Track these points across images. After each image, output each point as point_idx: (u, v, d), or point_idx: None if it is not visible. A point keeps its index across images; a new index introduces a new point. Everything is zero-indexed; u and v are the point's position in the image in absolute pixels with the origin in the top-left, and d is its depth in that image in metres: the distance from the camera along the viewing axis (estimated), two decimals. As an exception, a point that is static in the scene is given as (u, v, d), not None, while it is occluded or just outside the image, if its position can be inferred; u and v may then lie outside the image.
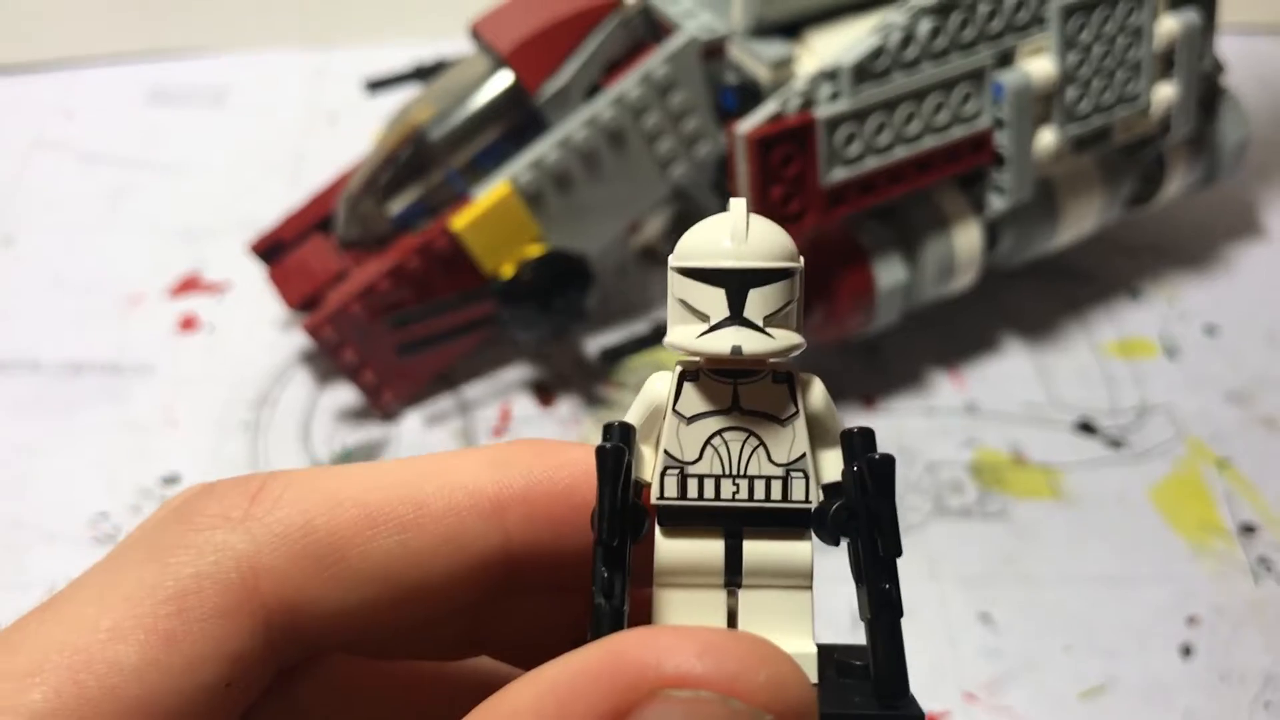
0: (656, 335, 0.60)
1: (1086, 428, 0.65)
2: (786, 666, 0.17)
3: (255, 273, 0.70)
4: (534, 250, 0.62)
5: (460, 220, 0.61)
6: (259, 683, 0.20)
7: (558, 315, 0.62)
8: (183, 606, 0.19)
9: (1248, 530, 0.60)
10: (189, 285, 0.74)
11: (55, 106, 0.89)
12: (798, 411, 0.20)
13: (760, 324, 0.20)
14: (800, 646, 0.20)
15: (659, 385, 0.21)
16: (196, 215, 0.79)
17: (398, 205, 0.65)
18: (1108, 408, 0.66)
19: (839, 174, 0.57)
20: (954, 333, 0.70)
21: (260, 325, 0.71)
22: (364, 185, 0.64)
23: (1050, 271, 0.73)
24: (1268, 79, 0.89)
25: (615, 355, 0.60)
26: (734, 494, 0.20)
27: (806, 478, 0.20)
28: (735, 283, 0.20)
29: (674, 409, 0.20)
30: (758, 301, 0.20)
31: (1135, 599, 0.57)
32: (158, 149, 0.85)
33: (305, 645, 0.20)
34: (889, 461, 0.20)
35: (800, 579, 0.20)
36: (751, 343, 0.20)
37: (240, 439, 0.64)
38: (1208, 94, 0.69)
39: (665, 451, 0.20)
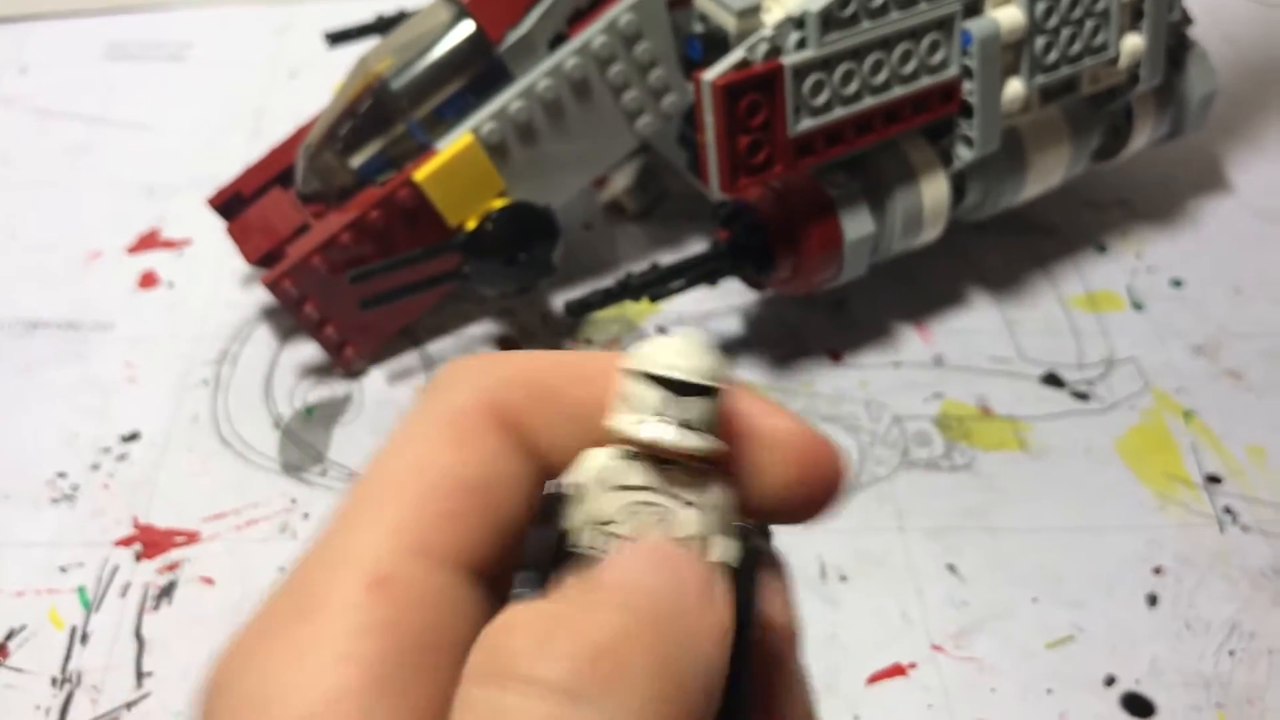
0: (623, 288, 0.60)
1: (1053, 380, 0.65)
2: None
3: (216, 228, 0.69)
4: (498, 203, 0.61)
5: (422, 172, 0.60)
6: (523, 503, 0.23)
7: (523, 270, 0.61)
8: (456, 424, 0.22)
9: (1213, 480, 0.60)
10: (148, 241, 0.73)
11: (9, 62, 0.87)
12: (705, 501, 0.23)
13: None
14: None
15: (594, 459, 0.23)
16: (156, 171, 0.78)
17: (360, 158, 0.64)
18: (1074, 361, 0.66)
19: (806, 123, 0.56)
20: (921, 286, 0.70)
21: (221, 281, 0.70)
22: (323, 137, 0.63)
23: (1017, 225, 0.73)
24: (1233, 35, 0.89)
25: (581, 309, 0.60)
26: None
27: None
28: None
29: (599, 478, 0.23)
30: None
31: (1102, 549, 0.57)
32: (117, 105, 0.84)
33: (542, 478, 0.23)
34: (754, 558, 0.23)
35: None
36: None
37: (201, 396, 0.63)
38: (1175, 46, 0.68)
39: (589, 513, 0.23)
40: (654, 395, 0.22)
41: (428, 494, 0.22)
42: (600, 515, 0.22)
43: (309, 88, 0.82)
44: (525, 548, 0.22)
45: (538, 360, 0.24)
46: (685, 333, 0.24)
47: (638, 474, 0.23)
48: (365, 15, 0.74)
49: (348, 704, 0.19)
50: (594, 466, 0.23)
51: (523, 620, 0.20)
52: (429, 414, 0.23)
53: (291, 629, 0.20)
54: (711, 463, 0.23)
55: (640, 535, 0.22)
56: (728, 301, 0.69)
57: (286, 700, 0.19)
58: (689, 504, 0.22)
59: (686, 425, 0.22)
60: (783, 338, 0.67)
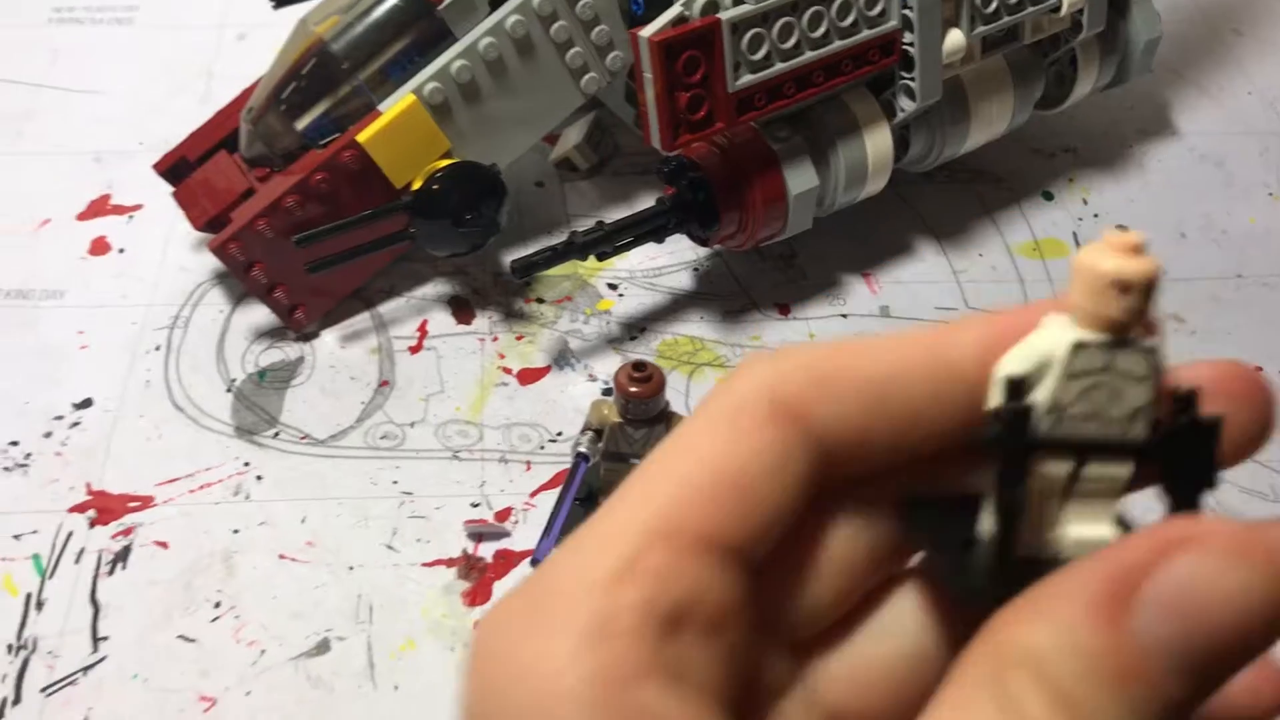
0: (569, 247, 0.60)
1: (999, 328, 0.66)
2: None
3: (166, 193, 0.69)
4: (444, 163, 0.61)
5: (366, 133, 0.60)
6: (801, 489, 0.24)
7: (471, 230, 0.62)
8: (733, 422, 0.23)
9: (1156, 425, 0.61)
10: (98, 208, 0.72)
11: (-46, 28, 0.87)
12: (1150, 373, 0.24)
13: None
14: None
15: (1052, 344, 0.24)
16: (105, 137, 0.77)
17: (305, 120, 0.64)
18: (1020, 308, 0.67)
19: (746, 79, 0.56)
20: (868, 238, 0.70)
21: (172, 246, 0.70)
22: (266, 101, 0.63)
23: (964, 174, 0.73)
24: (1182, -22, 0.90)
25: (528, 268, 0.60)
26: (1092, 431, 0.24)
27: (1145, 420, 0.24)
28: None
29: (1066, 368, 0.24)
30: None
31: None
32: (62, 70, 0.83)
33: (827, 462, 0.24)
34: (1216, 423, 0.23)
35: (1114, 491, 0.24)
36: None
37: (153, 361, 0.63)
38: (1118, -8, 0.69)
39: (1054, 397, 0.24)
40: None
41: (683, 481, 0.23)
42: (1063, 400, 0.24)
43: (257, 50, 0.81)
44: (991, 437, 0.23)
45: (820, 348, 0.25)
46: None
47: (1096, 358, 0.24)
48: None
49: (581, 695, 0.20)
50: (1052, 353, 0.24)
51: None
52: (708, 410, 0.24)
53: (542, 611, 0.21)
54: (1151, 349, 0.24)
55: (1096, 413, 0.23)
56: (679, 257, 0.69)
57: (528, 682, 0.20)
58: (1139, 379, 0.24)
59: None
60: (732, 292, 0.67)
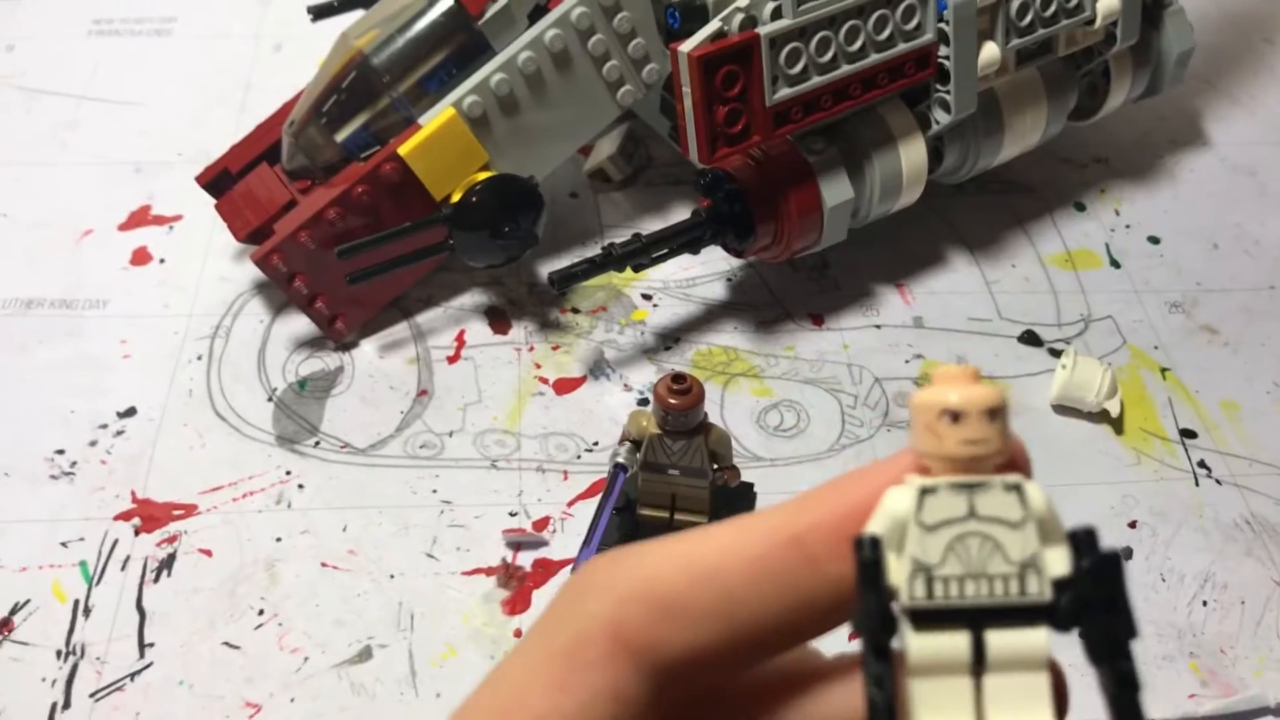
0: (607, 259, 0.61)
1: (1031, 338, 0.66)
2: None
3: (206, 203, 0.70)
4: (482, 175, 0.62)
5: (406, 146, 0.61)
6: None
7: (509, 241, 0.62)
8: (571, 661, 0.23)
9: (1188, 435, 0.61)
10: (139, 218, 0.73)
11: (-4, 40, 0.88)
12: (1026, 515, 0.22)
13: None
14: None
15: (901, 502, 0.23)
16: (145, 148, 0.79)
17: (344, 133, 0.64)
18: (1054, 319, 0.67)
19: (784, 92, 0.57)
20: (902, 249, 0.71)
21: (212, 256, 0.71)
22: (307, 114, 0.64)
23: (996, 185, 0.74)
24: (1214, -12, 0.90)
25: (566, 280, 0.61)
26: (975, 592, 0.22)
27: (1039, 574, 0.22)
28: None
29: (917, 519, 0.22)
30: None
31: (1079, 504, 0.58)
32: (103, 81, 0.84)
33: (674, 686, 0.24)
34: (1117, 558, 0.22)
35: (1038, 664, 0.22)
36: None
37: (195, 371, 0.64)
38: (1152, 4, 0.69)
39: (913, 558, 0.22)
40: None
41: None
42: (926, 559, 0.22)
43: (294, 60, 0.82)
44: (854, 619, 0.22)
45: (663, 561, 0.24)
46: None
47: (950, 504, 0.22)
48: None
49: None
50: (901, 509, 0.22)
51: None
52: (542, 644, 0.24)
53: None
54: (1016, 484, 0.22)
55: (975, 572, 0.22)
56: (712, 268, 0.70)
57: None
58: (1012, 525, 0.22)
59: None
60: (766, 303, 0.68)
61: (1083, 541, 0.22)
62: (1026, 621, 0.22)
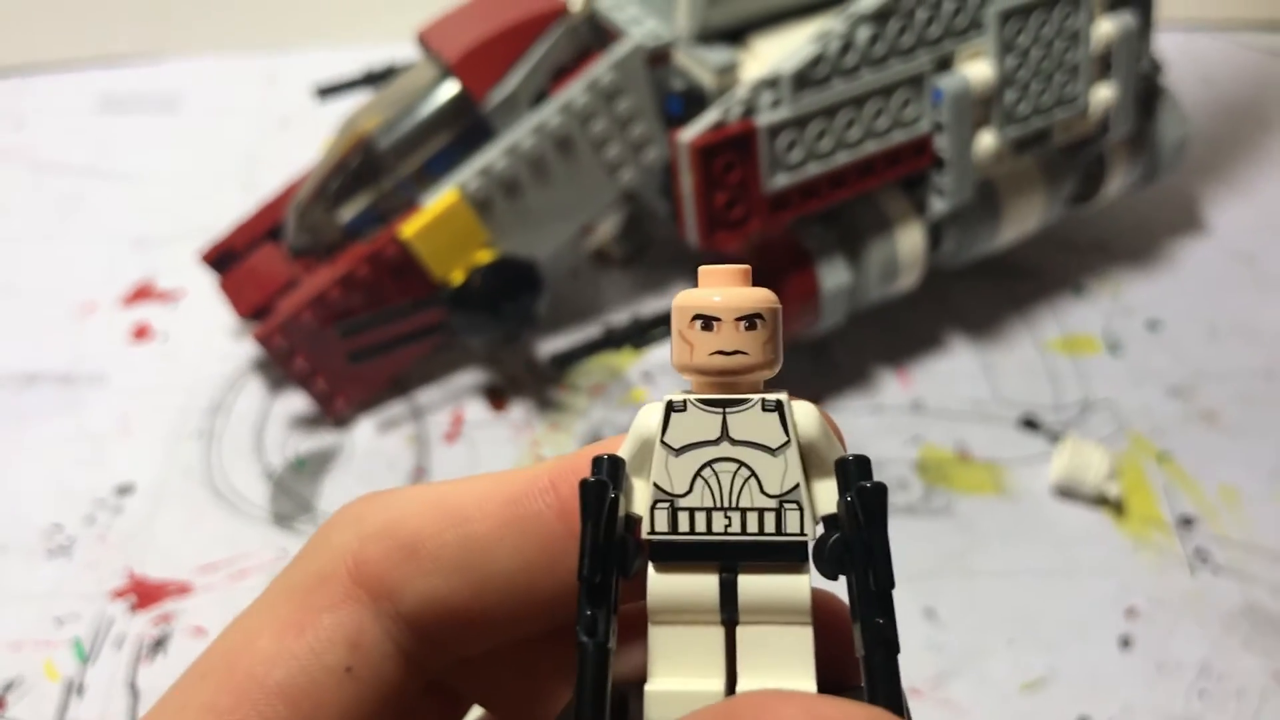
0: (607, 339, 0.61)
1: (1030, 423, 0.66)
2: None
3: (208, 280, 0.70)
4: (483, 256, 0.63)
5: (409, 228, 0.61)
6: (387, 677, 0.22)
7: (508, 321, 0.63)
8: (306, 601, 0.22)
9: (1186, 523, 0.61)
10: (142, 294, 0.74)
11: (5, 114, 0.89)
12: (789, 440, 0.19)
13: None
14: (802, 687, 0.19)
15: (649, 417, 0.20)
16: (149, 223, 0.79)
17: (348, 213, 0.65)
18: (1051, 403, 0.67)
19: (781, 180, 0.58)
20: (900, 332, 0.71)
21: (213, 333, 0.71)
22: (313, 194, 0.64)
23: (995, 270, 0.74)
24: (1208, 76, 0.91)
25: (567, 360, 0.61)
26: (726, 527, 0.19)
27: (801, 509, 0.19)
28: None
29: (662, 440, 0.19)
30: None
31: (1076, 592, 0.58)
32: (109, 156, 0.85)
33: (421, 642, 0.22)
34: (880, 490, 0.19)
35: (798, 614, 0.20)
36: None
37: (194, 447, 0.64)
38: (1147, 94, 0.70)
39: (655, 484, 0.19)
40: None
41: (235, 688, 0.21)
42: (671, 488, 0.19)
43: (300, 137, 0.83)
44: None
45: (409, 502, 0.23)
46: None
47: (699, 424, 0.19)
48: (351, 64, 0.76)
49: None
50: (647, 428, 0.20)
51: None
52: (283, 583, 0.22)
53: None
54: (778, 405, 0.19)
55: (725, 503, 0.19)
56: (711, 347, 0.70)
57: None
58: (771, 452, 0.19)
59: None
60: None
61: (850, 471, 0.19)
62: (788, 565, 0.19)
